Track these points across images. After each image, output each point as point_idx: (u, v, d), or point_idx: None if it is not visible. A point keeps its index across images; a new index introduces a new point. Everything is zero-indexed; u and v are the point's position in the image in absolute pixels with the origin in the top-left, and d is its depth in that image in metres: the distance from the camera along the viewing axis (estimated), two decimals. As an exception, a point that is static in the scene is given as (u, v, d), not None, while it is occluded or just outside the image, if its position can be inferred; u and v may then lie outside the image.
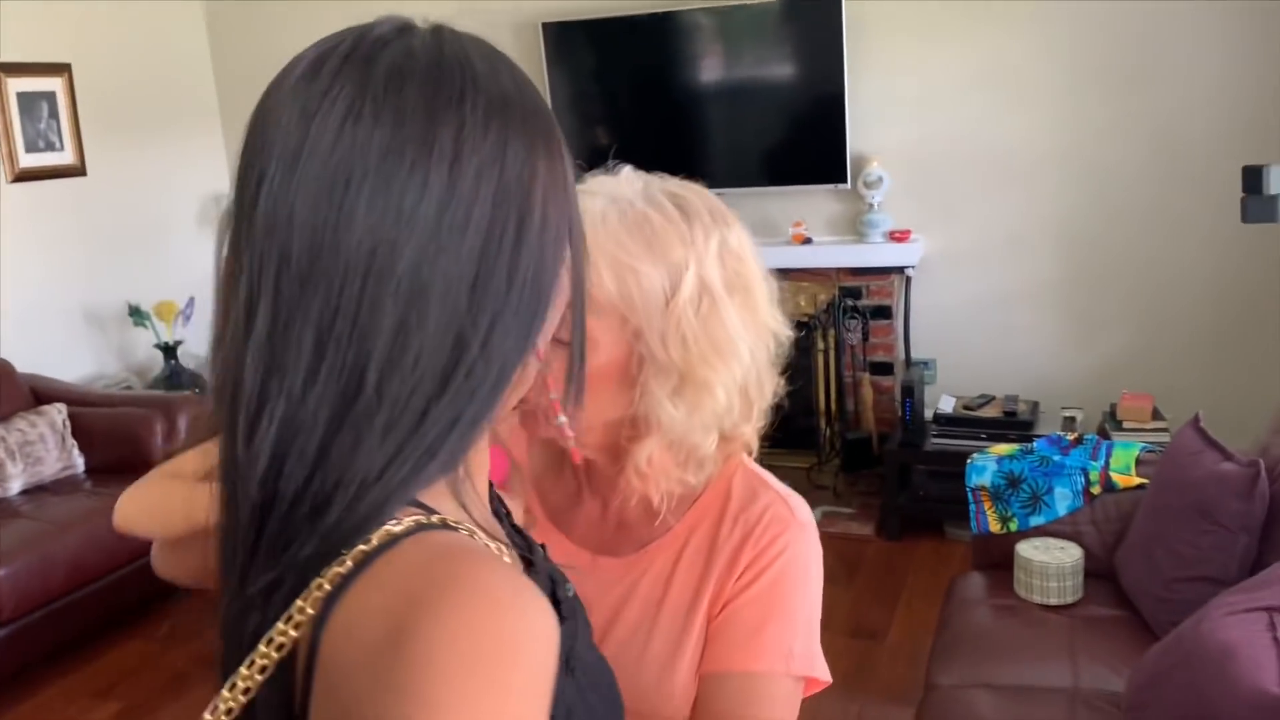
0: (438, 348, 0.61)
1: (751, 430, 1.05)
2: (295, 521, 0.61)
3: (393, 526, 0.60)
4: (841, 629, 3.31)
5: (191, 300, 4.60)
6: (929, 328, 4.29)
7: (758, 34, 4.23)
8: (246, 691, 0.60)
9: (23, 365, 3.92)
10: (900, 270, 4.23)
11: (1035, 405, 3.98)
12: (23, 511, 3.41)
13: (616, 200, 0.98)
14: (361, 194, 0.60)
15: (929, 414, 4.02)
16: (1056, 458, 2.69)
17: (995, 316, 4.19)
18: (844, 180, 4.15)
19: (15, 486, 3.53)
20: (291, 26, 4.97)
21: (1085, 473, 2.62)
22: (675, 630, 1.04)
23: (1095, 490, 2.60)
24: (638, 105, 4.47)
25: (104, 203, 4.50)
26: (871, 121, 4.15)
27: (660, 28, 4.31)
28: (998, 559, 2.67)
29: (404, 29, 0.68)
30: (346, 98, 0.61)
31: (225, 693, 0.61)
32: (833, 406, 4.36)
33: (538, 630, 0.56)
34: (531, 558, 0.78)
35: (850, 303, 4.25)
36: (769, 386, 1.04)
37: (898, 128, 4.17)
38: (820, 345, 4.31)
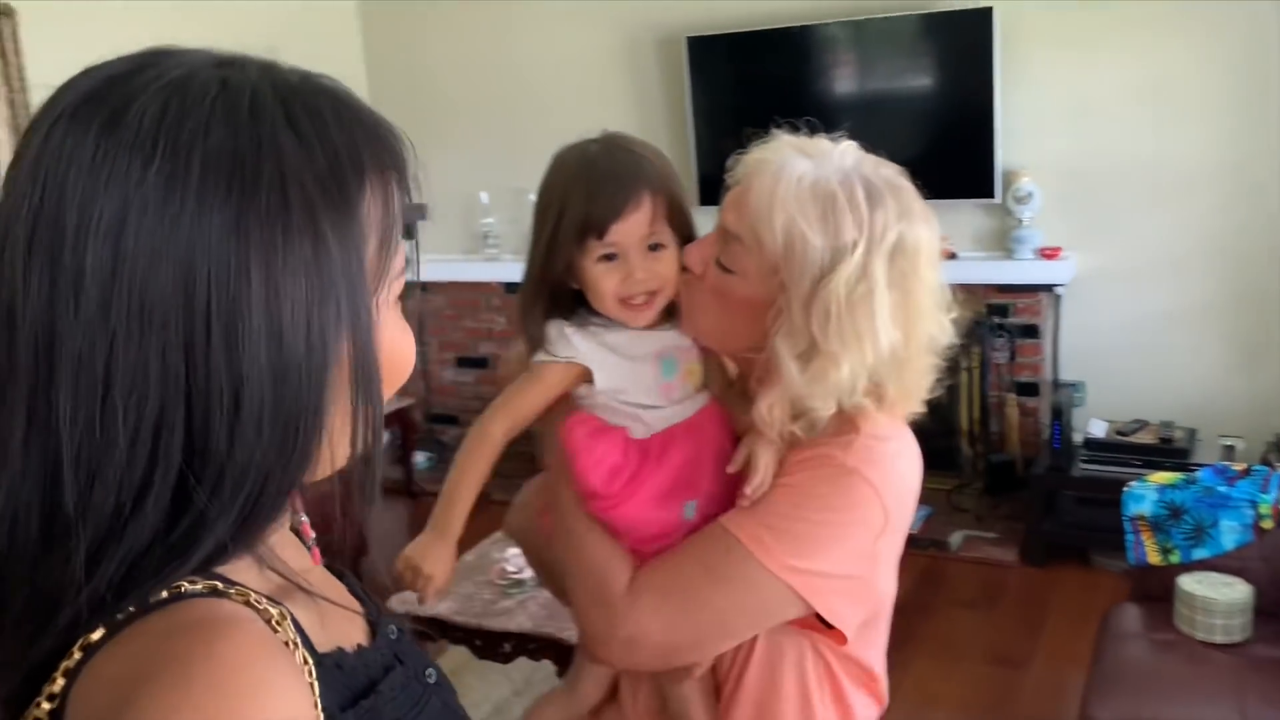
0: (150, 463, 0.53)
1: (877, 413, 1.10)
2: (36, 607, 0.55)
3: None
4: (981, 657, 3.21)
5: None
6: (1079, 348, 4.13)
7: (898, 46, 4.17)
8: None
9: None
10: (1050, 288, 4.08)
11: (1193, 433, 3.79)
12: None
13: (819, 167, 1.08)
14: (33, 268, 0.51)
15: (1078, 438, 3.87)
16: (1222, 489, 2.55)
17: (1151, 338, 4.01)
18: (992, 194, 4.04)
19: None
20: (444, 42, 5.14)
21: (1255, 505, 2.48)
22: None
23: (1267, 525, 2.46)
24: (773, 116, 4.44)
25: (266, 212, 4.73)
26: (1022, 134, 4.03)
27: (799, 40, 4.29)
28: (1155, 591, 2.54)
29: (136, 70, 0.57)
30: (36, 159, 0.54)
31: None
32: (976, 427, 4.24)
33: (263, 709, 0.51)
34: (377, 629, 0.72)
35: (997, 320, 4.13)
36: (913, 383, 1.11)
37: (1050, 141, 4.04)
38: (964, 364, 4.20)
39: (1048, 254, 4.00)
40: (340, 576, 0.75)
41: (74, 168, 0.52)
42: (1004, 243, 4.12)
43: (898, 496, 1.11)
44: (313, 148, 0.57)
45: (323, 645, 0.62)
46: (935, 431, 4.39)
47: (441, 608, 2.74)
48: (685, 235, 1.18)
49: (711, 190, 4.54)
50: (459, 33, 5.10)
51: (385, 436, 5.79)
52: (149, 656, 0.52)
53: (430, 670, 0.73)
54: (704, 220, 4.14)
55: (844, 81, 4.31)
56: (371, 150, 0.62)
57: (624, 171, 1.16)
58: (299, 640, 0.58)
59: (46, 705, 0.54)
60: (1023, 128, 4.02)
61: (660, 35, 4.58)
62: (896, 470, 1.12)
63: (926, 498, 4.17)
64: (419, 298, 5.14)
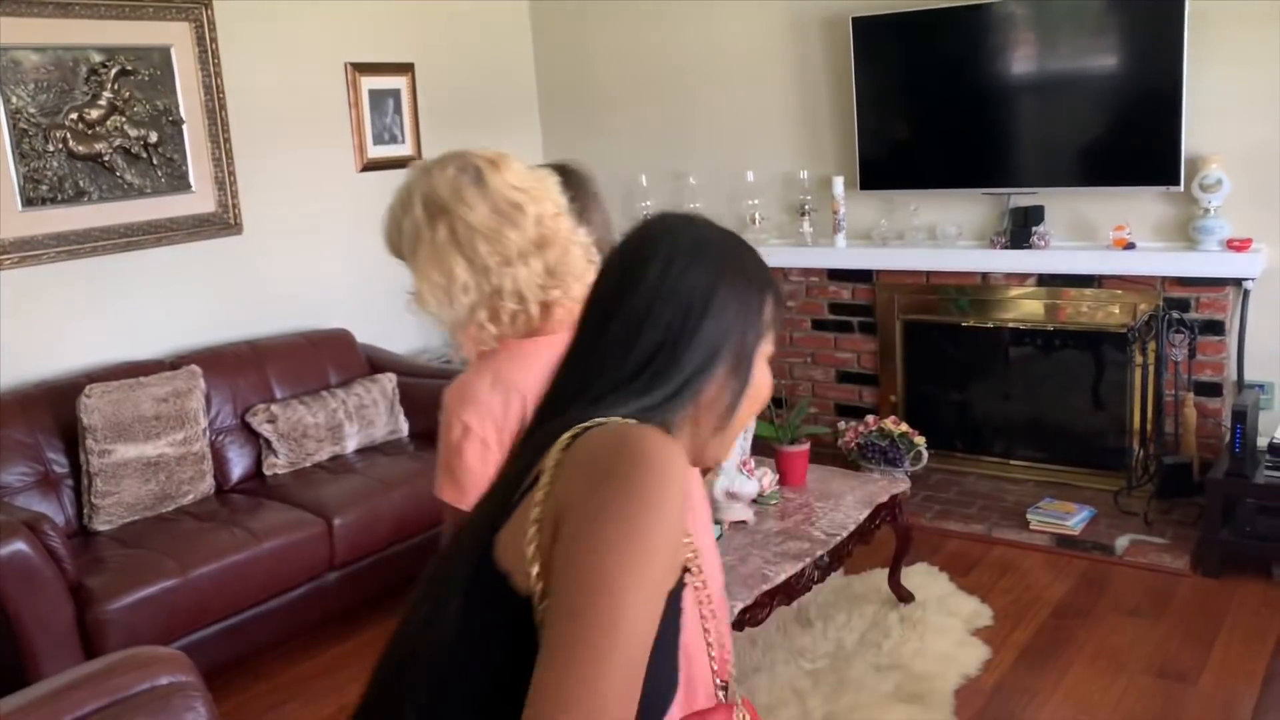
0: (639, 360, 1.01)
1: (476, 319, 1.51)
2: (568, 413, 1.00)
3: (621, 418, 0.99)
4: (1144, 668, 3.06)
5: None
6: (1268, 348, 3.87)
7: (1079, 24, 3.97)
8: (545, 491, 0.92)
9: (361, 336, 4.37)
10: (1237, 282, 3.84)
11: (1396, 442, 3.50)
12: (357, 468, 3.80)
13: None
14: (647, 279, 1.08)
15: (1262, 443, 3.63)
16: None
17: (1351, 339, 3.72)
18: (1176, 182, 3.82)
19: (351, 445, 3.94)
20: (607, 28, 5.20)
21: None
22: None
23: None
24: (943, 99, 4.33)
25: (435, 192, 4.90)
26: (1211, 119, 3.80)
27: (972, 20, 4.15)
28: (1343, 611, 2.37)
29: (688, 222, 1.11)
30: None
31: (529, 539, 0.91)
32: (1148, 427, 4.03)
33: (672, 482, 0.90)
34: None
35: (1176, 315, 3.91)
36: (480, 283, 1.50)
37: (1242, 126, 3.79)
38: (1138, 360, 4.00)
39: (1236, 245, 3.76)
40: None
41: (657, 255, 1.06)
42: (1187, 233, 3.89)
43: (460, 412, 1.49)
44: (748, 267, 1.09)
45: None
46: (1102, 429, 4.20)
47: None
48: None
49: (874, 173, 4.48)
50: (622, 19, 5.15)
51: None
52: (621, 434, 0.94)
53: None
54: (865, 204, 4.08)
55: (1019, 63, 4.15)
56: (769, 278, 1.11)
57: None
58: None
59: (545, 481, 0.93)
60: (1212, 111, 3.79)
61: (825, 16, 4.51)
62: (468, 386, 1.50)
63: (1090, 498, 4.03)
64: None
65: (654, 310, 1.02)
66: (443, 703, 0.94)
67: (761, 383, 1.09)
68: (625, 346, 1.01)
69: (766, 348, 1.09)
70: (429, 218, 1.50)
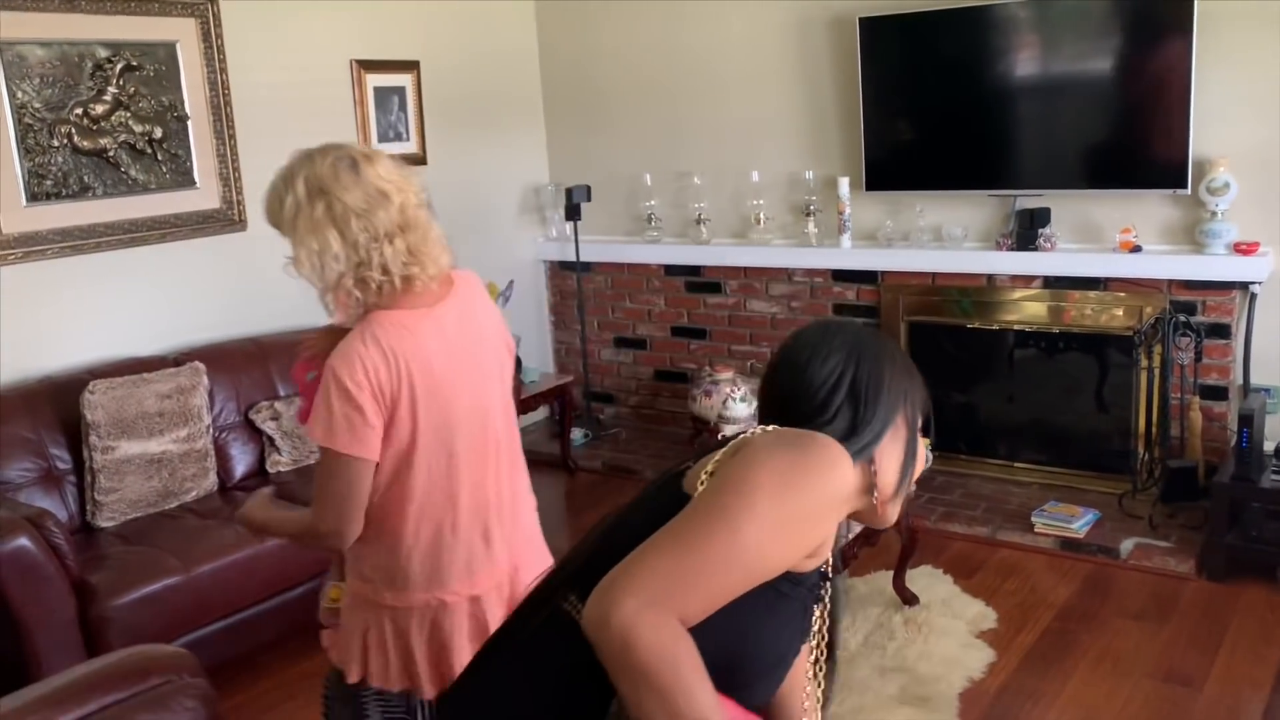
0: (835, 404, 1.21)
1: (352, 286, 1.73)
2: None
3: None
4: (1149, 673, 3.05)
5: (511, 283, 4.92)
6: (1274, 352, 3.85)
7: (1086, 26, 3.96)
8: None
9: (365, 334, 4.35)
10: (1244, 286, 3.82)
11: (1403, 447, 3.49)
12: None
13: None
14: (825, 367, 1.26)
15: (1268, 446, 3.62)
16: None
17: (1358, 343, 3.70)
18: (1184, 185, 3.80)
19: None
20: (613, 27, 5.19)
21: None
22: None
23: None
24: (949, 100, 4.32)
25: (440, 190, 4.84)
26: (1219, 121, 3.78)
27: (978, 21, 4.13)
28: (1350, 617, 2.36)
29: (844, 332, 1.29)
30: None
31: (709, 465, 1.14)
32: (1154, 430, 4.01)
33: (838, 472, 1.11)
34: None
35: (1183, 318, 3.89)
36: (350, 255, 1.72)
37: (1250, 129, 3.77)
38: (1143, 363, 3.98)
39: (1243, 249, 3.75)
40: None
41: (820, 350, 1.25)
42: (1194, 236, 3.87)
43: (349, 371, 1.69)
44: (900, 361, 1.27)
45: None
46: (1107, 432, 4.18)
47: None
48: None
49: (880, 174, 4.46)
50: (628, 18, 5.14)
51: (544, 411, 5.86)
52: (795, 435, 1.14)
53: (833, 581, 1.30)
54: (871, 205, 4.06)
55: (1026, 64, 4.13)
56: (915, 370, 1.29)
57: None
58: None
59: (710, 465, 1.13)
60: (1219, 114, 3.77)
61: (833, 16, 4.50)
62: (352, 351, 1.70)
63: (1095, 501, 4.02)
64: (580, 277, 5.24)
65: (828, 394, 1.20)
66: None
67: (921, 452, 1.29)
68: (809, 419, 1.18)
69: (919, 426, 1.29)
70: (309, 195, 1.70)
